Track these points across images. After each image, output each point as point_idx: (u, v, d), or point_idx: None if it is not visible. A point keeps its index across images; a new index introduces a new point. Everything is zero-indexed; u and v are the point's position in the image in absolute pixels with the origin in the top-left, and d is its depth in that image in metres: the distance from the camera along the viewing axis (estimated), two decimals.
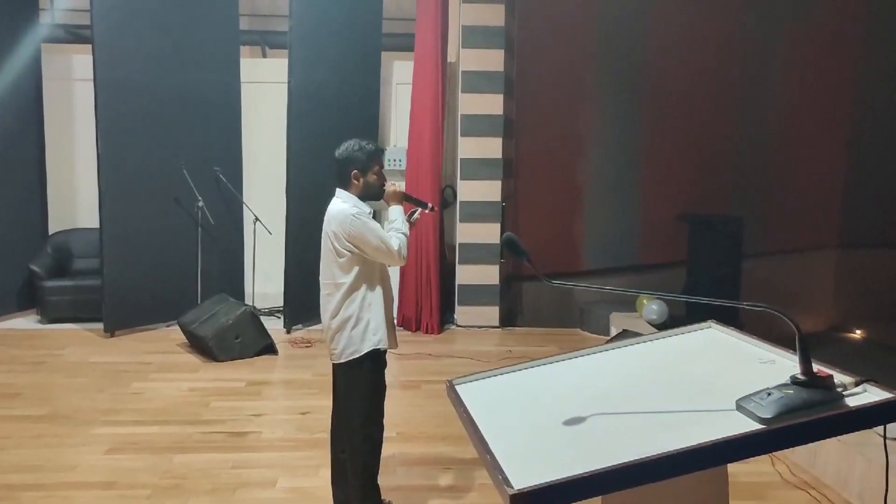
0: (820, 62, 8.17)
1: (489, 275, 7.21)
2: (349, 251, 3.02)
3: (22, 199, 7.29)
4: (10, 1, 7.06)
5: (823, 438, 1.74)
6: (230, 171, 7.24)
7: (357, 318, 3.08)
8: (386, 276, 3.20)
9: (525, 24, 7.37)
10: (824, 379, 1.72)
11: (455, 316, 7.28)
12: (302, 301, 6.54)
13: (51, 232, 7.54)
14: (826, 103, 8.27)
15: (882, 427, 1.82)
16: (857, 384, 1.75)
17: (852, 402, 1.70)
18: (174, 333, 6.47)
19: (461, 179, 7.20)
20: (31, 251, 7.19)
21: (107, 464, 3.98)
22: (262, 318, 6.34)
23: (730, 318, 3.44)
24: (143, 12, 6.53)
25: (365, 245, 3.01)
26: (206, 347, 5.88)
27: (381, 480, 3.27)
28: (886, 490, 2.17)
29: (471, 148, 7.15)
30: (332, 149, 3.16)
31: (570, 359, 2.39)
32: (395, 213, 3.19)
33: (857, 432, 1.73)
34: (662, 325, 6.26)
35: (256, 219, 7.10)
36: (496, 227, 7.13)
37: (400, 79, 7.70)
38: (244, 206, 7.28)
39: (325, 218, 3.12)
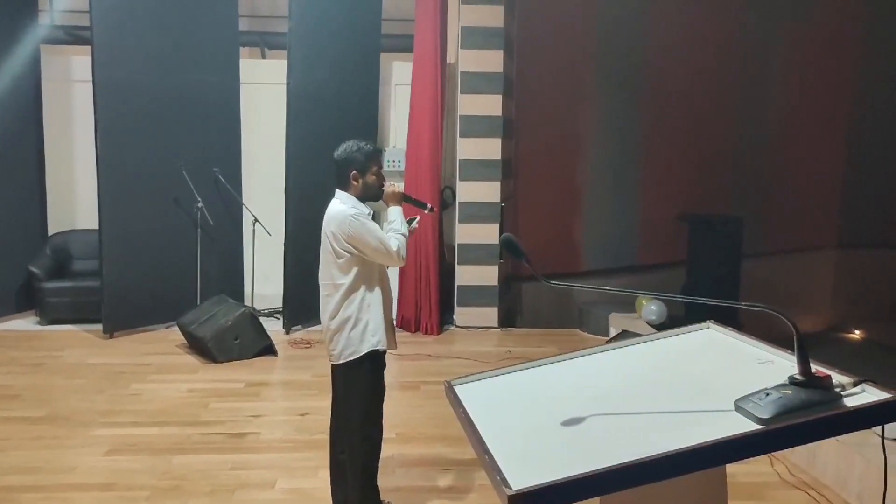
0: (819, 62, 8.18)
1: (488, 275, 7.21)
2: (348, 252, 3.02)
3: (21, 200, 7.29)
4: (9, 2, 7.06)
5: (821, 439, 1.74)
6: (229, 171, 7.24)
7: (356, 319, 3.08)
8: (385, 276, 3.20)
9: (525, 25, 7.37)
10: (822, 379, 1.73)
11: (454, 317, 7.28)
12: (301, 302, 6.54)
13: (50, 233, 7.54)
14: (825, 103, 8.28)
15: (880, 427, 1.82)
16: (855, 384, 1.75)
17: (850, 402, 1.70)
18: (173, 334, 6.47)
19: (460, 180, 7.20)
20: (31, 252, 7.19)
21: (106, 465, 3.98)
22: (262, 319, 6.34)
23: (729, 319, 3.45)
24: (142, 13, 6.53)
25: (364, 246, 3.01)
26: (205, 348, 5.88)
27: (381, 481, 3.27)
28: (885, 490, 2.17)
29: (470, 149, 7.15)
30: (331, 150, 3.16)
31: (569, 359, 2.39)
32: (394, 213, 3.19)
33: (856, 433, 1.74)
34: (662, 326, 6.26)
35: (256, 220, 7.10)
36: (495, 227, 7.13)
37: (399, 80, 7.70)
38: (243, 207, 7.28)
39: (325, 219, 3.12)
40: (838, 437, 3.44)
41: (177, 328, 6.33)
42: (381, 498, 3.29)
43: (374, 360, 3.14)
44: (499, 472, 1.63)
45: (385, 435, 3.29)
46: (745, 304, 1.87)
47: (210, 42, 7.05)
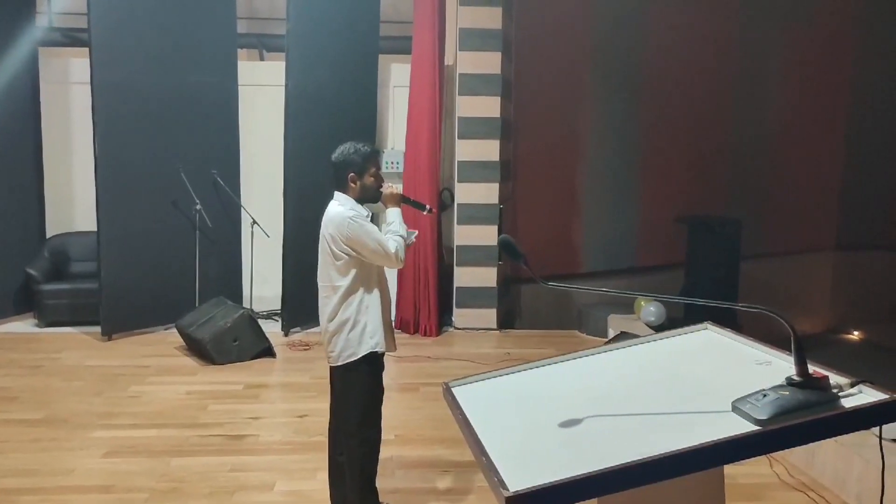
0: (818, 62, 8.18)
1: (487, 277, 7.21)
2: (346, 254, 3.02)
3: (19, 202, 7.28)
4: (7, 4, 7.06)
5: (819, 439, 1.74)
6: (228, 173, 7.23)
7: (354, 321, 3.07)
8: (383, 278, 3.19)
9: (523, 26, 7.38)
10: (820, 380, 1.72)
11: (453, 318, 7.27)
12: (300, 304, 6.54)
13: (48, 235, 7.52)
14: (825, 104, 8.29)
15: (878, 428, 1.82)
16: (852, 385, 1.75)
17: (848, 403, 1.70)
18: (172, 336, 6.46)
19: (459, 182, 7.20)
20: (29, 254, 7.17)
21: (104, 467, 3.98)
22: (260, 321, 6.34)
23: (728, 320, 3.45)
24: (140, 15, 6.53)
25: (362, 248, 3.01)
26: (203, 350, 5.88)
27: (379, 483, 3.27)
28: (882, 491, 2.17)
29: (468, 150, 7.15)
30: (329, 151, 3.16)
31: (568, 361, 2.39)
32: (393, 215, 3.19)
33: (854, 433, 1.73)
34: (660, 327, 6.26)
35: (254, 222, 7.10)
36: (494, 229, 7.12)
37: (397, 81, 7.69)
38: (242, 209, 7.28)
39: (323, 221, 3.11)
40: (837, 438, 3.44)
41: (175, 330, 6.33)
42: (380, 500, 3.28)
43: (373, 362, 3.13)
44: (496, 473, 1.62)
45: (384, 437, 3.29)
46: (743, 306, 1.87)
47: (208, 44, 7.04)
